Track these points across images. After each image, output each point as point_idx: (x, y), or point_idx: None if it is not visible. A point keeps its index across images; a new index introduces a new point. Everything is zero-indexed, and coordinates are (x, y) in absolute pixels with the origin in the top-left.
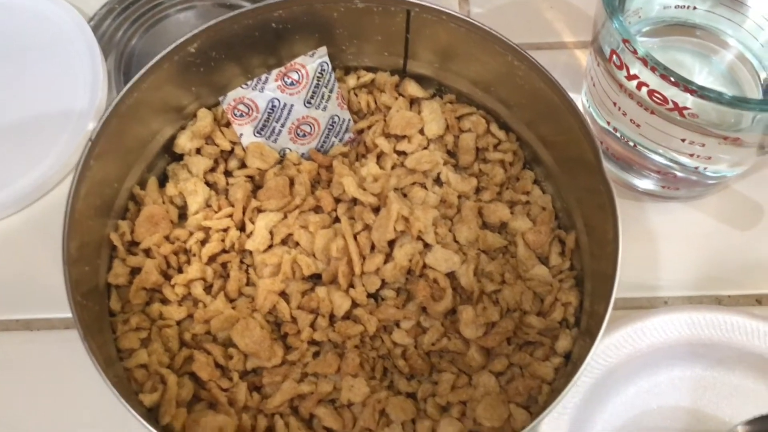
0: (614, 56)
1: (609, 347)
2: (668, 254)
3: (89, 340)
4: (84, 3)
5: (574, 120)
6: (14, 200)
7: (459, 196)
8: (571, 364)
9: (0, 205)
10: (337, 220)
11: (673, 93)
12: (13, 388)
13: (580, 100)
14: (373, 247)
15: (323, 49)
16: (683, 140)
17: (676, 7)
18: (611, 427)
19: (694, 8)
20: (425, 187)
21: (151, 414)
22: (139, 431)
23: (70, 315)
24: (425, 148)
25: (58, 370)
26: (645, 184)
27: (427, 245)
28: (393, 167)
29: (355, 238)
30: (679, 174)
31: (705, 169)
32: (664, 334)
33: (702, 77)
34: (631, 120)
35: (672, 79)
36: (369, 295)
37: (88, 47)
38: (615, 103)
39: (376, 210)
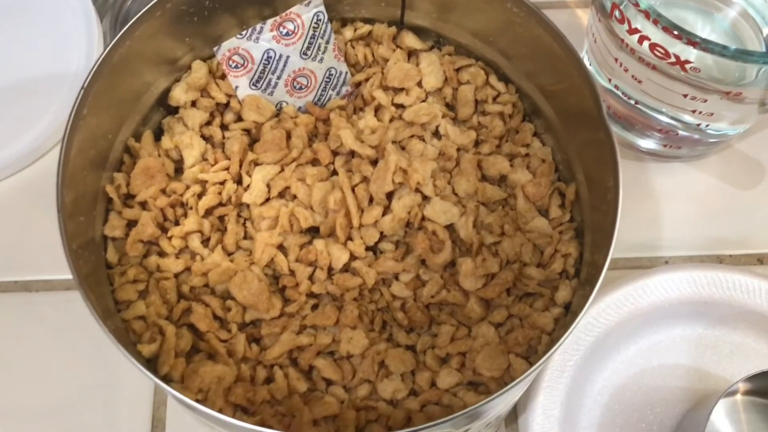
0: (616, 10)
1: (610, 306)
2: (670, 214)
3: (86, 289)
4: None
5: (575, 68)
6: (9, 163)
7: (458, 149)
8: (570, 314)
9: None
10: (334, 173)
11: (675, 47)
12: (14, 350)
13: (582, 59)
14: (371, 200)
15: None
16: (685, 96)
17: None
18: (611, 385)
19: None
20: (423, 140)
21: (149, 364)
22: (137, 384)
23: (69, 276)
24: (423, 100)
25: (57, 330)
26: (647, 143)
27: (425, 197)
28: (391, 120)
29: (353, 190)
30: (681, 132)
31: (707, 126)
32: (665, 292)
33: (705, 34)
34: (632, 76)
35: (675, 32)
36: (367, 248)
37: (83, 8)
38: (616, 59)
39: (374, 162)
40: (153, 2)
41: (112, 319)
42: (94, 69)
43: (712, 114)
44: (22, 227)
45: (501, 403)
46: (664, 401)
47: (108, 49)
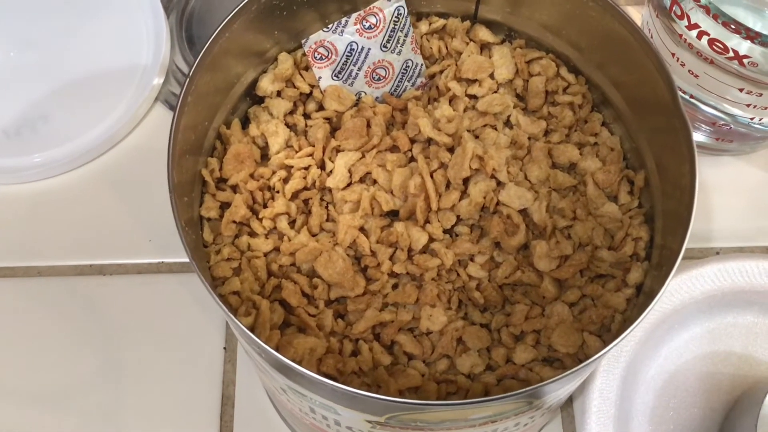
0: (675, 6)
1: (665, 294)
2: (720, 206)
3: (197, 261)
4: None
5: (649, 58)
6: (85, 151)
7: (529, 138)
8: (643, 295)
9: (71, 156)
10: (412, 159)
11: (733, 42)
12: (92, 330)
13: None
14: (448, 185)
15: None
16: (741, 90)
17: None
18: (665, 371)
19: None
20: (496, 129)
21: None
22: (208, 363)
23: (141, 260)
24: (495, 91)
25: (130, 312)
26: (699, 136)
27: (500, 183)
28: (465, 110)
29: (431, 175)
30: (733, 126)
31: (760, 120)
32: (717, 281)
33: (756, 30)
34: (689, 71)
35: (733, 26)
36: (444, 231)
37: (152, 6)
38: (674, 54)
39: (450, 150)
40: None
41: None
42: (196, 62)
43: (766, 108)
44: (96, 212)
45: (577, 378)
46: (716, 387)
47: (210, 41)
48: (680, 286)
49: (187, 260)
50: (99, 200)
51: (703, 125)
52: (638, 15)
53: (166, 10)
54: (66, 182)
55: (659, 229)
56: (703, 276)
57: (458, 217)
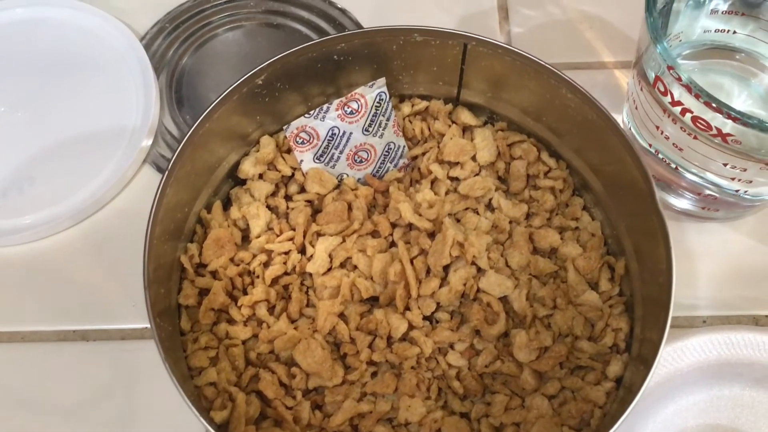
0: (659, 82)
1: None
2: (706, 274)
3: (169, 358)
4: (136, 21)
5: (625, 149)
6: (72, 214)
7: (510, 222)
8: (623, 389)
9: (58, 219)
10: (393, 244)
11: (716, 119)
12: (71, 396)
13: (620, 119)
14: (428, 272)
15: (382, 80)
16: (725, 164)
17: (716, 31)
18: None
19: (734, 32)
20: (477, 213)
21: (221, 429)
22: (186, 423)
23: (125, 326)
24: (477, 174)
25: (113, 379)
26: (684, 204)
27: (480, 270)
28: (446, 193)
29: (411, 262)
30: (719, 196)
31: (745, 192)
32: (703, 354)
33: (741, 100)
34: (673, 144)
35: (715, 105)
36: (424, 318)
37: (141, 65)
38: (658, 127)
39: (431, 235)
40: (232, 86)
41: (187, 384)
42: (178, 151)
43: (751, 181)
44: (81, 276)
45: None
46: None
47: (191, 131)
48: (666, 359)
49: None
50: (83, 264)
51: (690, 193)
52: (625, 78)
53: (156, 70)
54: (51, 245)
55: (639, 318)
56: (689, 348)
57: (438, 304)
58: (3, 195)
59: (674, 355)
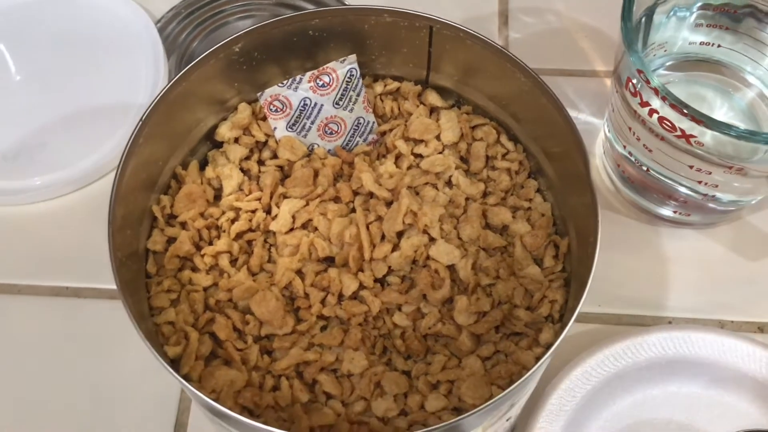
0: (630, 84)
1: (608, 357)
2: (677, 277)
3: (125, 293)
4: (152, 5)
5: (571, 135)
6: (74, 179)
7: (466, 198)
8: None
9: (61, 183)
10: (353, 210)
11: (683, 123)
12: (57, 350)
13: (603, 125)
14: (383, 237)
15: (353, 57)
16: (691, 167)
17: (700, 44)
18: None
19: (718, 46)
20: (436, 188)
21: (174, 364)
22: (163, 391)
23: (113, 287)
24: (440, 152)
25: (98, 335)
26: (659, 208)
27: (432, 239)
28: (409, 167)
29: (367, 227)
30: (690, 200)
31: (713, 196)
32: (663, 349)
33: (722, 112)
34: (644, 145)
35: (684, 110)
36: (376, 280)
37: (153, 46)
38: (630, 128)
39: (389, 204)
40: (209, 51)
41: (145, 322)
42: (152, 104)
43: (717, 185)
44: (79, 238)
45: (473, 425)
46: None
47: (166, 87)
48: (625, 351)
49: None
50: (81, 227)
51: (663, 197)
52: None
53: (168, 52)
54: (53, 208)
55: (572, 293)
56: (648, 343)
57: (390, 267)
58: (14, 158)
59: (633, 349)
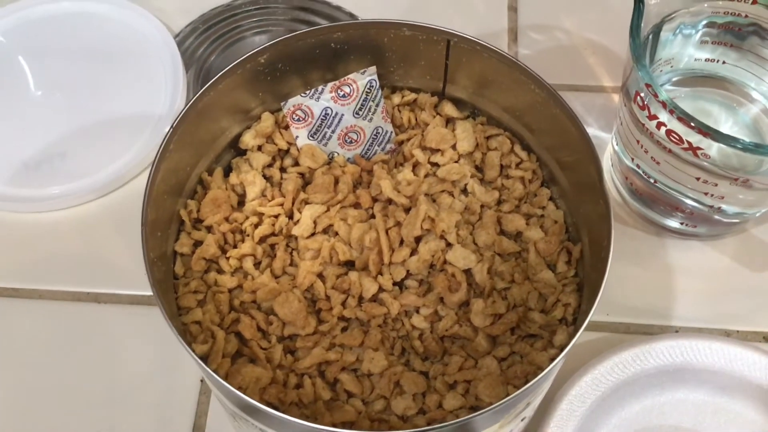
0: (638, 97)
1: (617, 365)
2: (684, 288)
3: (159, 292)
4: (171, 21)
5: (584, 145)
6: (96, 188)
7: (481, 206)
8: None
9: (83, 191)
10: (372, 216)
11: (690, 136)
12: (79, 354)
13: (611, 139)
14: (401, 242)
15: (373, 68)
16: (698, 179)
17: (705, 60)
18: None
19: (723, 62)
20: (452, 195)
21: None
22: (182, 394)
23: (135, 292)
24: (456, 161)
25: (119, 339)
26: (666, 220)
27: (449, 244)
28: (426, 176)
29: (386, 232)
30: (696, 212)
31: (719, 208)
32: (671, 357)
33: (727, 126)
34: (651, 158)
35: (690, 123)
36: (394, 283)
37: (172, 60)
38: (638, 141)
39: (408, 210)
40: (237, 61)
41: (174, 320)
42: (182, 113)
43: (723, 197)
44: (99, 245)
45: (490, 422)
46: None
47: (195, 97)
48: (633, 359)
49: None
50: (102, 234)
51: (670, 209)
52: None
53: (186, 65)
54: (74, 215)
55: (586, 297)
56: (656, 350)
57: (408, 271)
58: (36, 167)
59: (642, 357)
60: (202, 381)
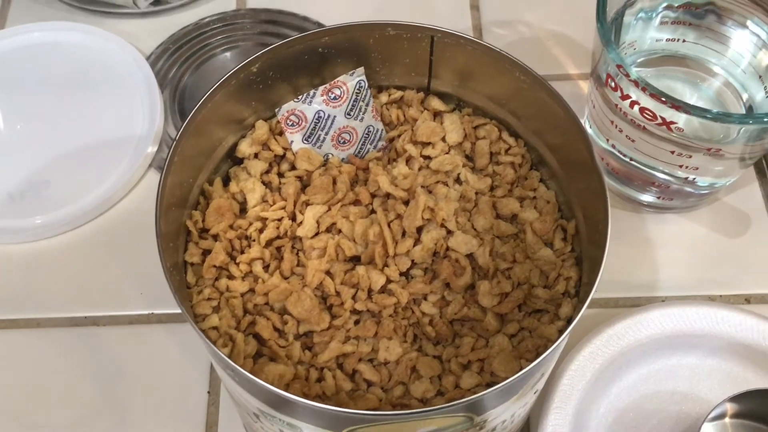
0: (610, 80)
1: (612, 337)
2: (665, 259)
3: (182, 298)
4: (142, 43)
5: (573, 126)
6: (84, 213)
7: (476, 193)
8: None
9: (72, 217)
10: (373, 211)
11: (662, 111)
12: (83, 377)
13: (584, 123)
14: (404, 233)
15: (361, 69)
16: (672, 153)
17: (667, 40)
18: (615, 408)
19: (683, 41)
20: (447, 185)
21: None
22: (189, 414)
23: (132, 312)
24: (447, 153)
25: (120, 360)
26: (643, 196)
27: (449, 231)
28: (420, 168)
29: (388, 225)
30: (672, 185)
31: (694, 179)
32: (661, 326)
33: (693, 101)
34: (626, 137)
35: (662, 98)
36: (401, 274)
37: (147, 82)
38: (612, 122)
39: (406, 203)
40: (230, 72)
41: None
42: (184, 125)
43: (697, 168)
44: (92, 269)
45: (511, 396)
46: (662, 423)
47: (194, 110)
48: (627, 330)
49: (175, 311)
50: (94, 258)
51: (646, 185)
52: (587, 87)
53: (161, 86)
54: (64, 242)
55: (585, 270)
56: (647, 320)
57: (413, 261)
58: (21, 197)
59: (634, 328)
60: (209, 393)
